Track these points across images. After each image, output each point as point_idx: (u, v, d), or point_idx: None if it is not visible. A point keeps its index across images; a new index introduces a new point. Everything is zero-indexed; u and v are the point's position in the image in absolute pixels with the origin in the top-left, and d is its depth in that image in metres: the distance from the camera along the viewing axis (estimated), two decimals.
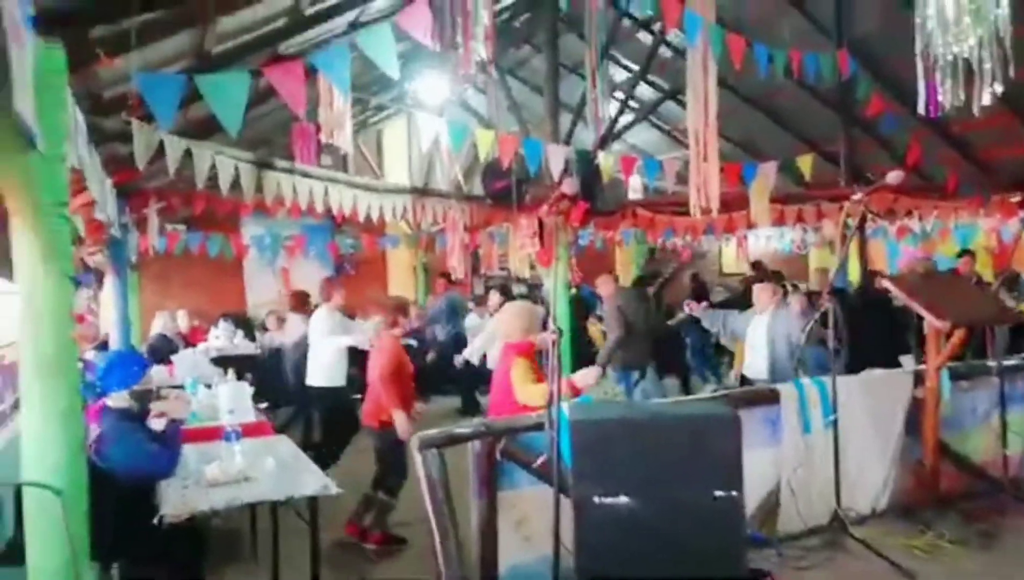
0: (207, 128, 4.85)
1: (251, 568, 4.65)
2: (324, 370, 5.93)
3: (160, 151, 3.94)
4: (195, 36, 4.19)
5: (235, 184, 4.62)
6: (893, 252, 11.08)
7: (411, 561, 4.57)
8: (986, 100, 3.95)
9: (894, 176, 3.66)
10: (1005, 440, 4.12)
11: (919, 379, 3.97)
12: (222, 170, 4.39)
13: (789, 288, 6.84)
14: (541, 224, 7.40)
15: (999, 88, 3.85)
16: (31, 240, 2.02)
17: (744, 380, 4.64)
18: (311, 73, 3.98)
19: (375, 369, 4.68)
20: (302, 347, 6.60)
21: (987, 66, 3.77)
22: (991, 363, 4.26)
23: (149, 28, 3.41)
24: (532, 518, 3.12)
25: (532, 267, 9.89)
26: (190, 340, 9.80)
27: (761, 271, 9.41)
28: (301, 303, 7.88)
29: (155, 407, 3.98)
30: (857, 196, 3.82)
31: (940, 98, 4.16)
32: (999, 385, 4.16)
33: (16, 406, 3.73)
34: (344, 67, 3.51)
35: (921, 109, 4.33)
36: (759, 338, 5.02)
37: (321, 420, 6.35)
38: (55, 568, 2.09)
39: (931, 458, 3.82)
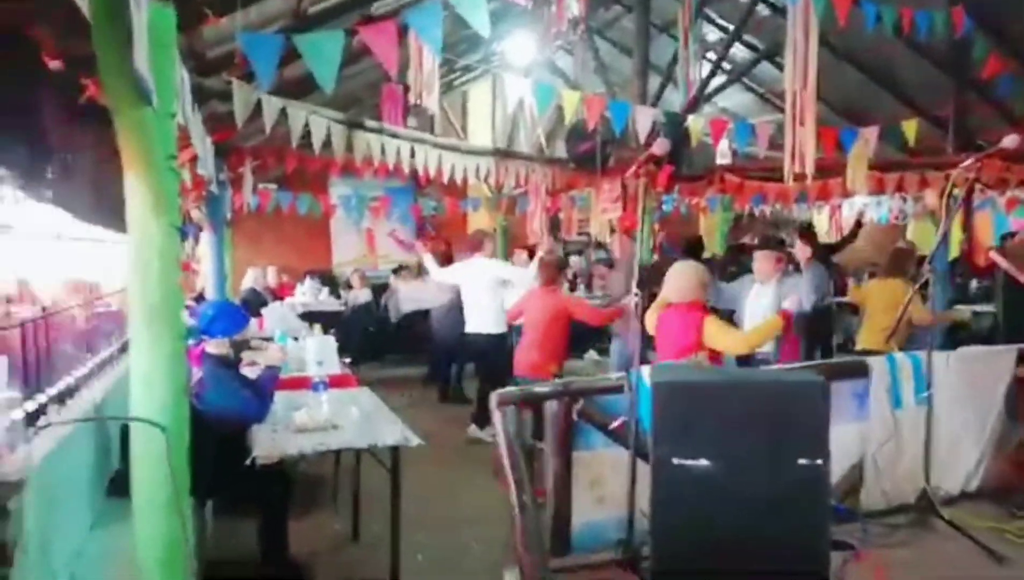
0: (301, 88, 4.97)
1: (334, 511, 4.89)
2: (493, 316, 6.40)
3: (257, 110, 4.07)
4: None
5: (327, 144, 4.74)
6: (1001, 225, 10.40)
7: (484, 519, 4.71)
8: None
9: (1011, 140, 3.43)
10: None
11: (1023, 358, 3.75)
12: (315, 129, 4.51)
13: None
14: (625, 188, 7.29)
15: None
16: (143, 192, 2.15)
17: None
18: (402, 33, 4.02)
19: (541, 322, 5.34)
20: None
21: None
22: None
23: None
24: (607, 479, 3.14)
25: (613, 232, 9.78)
26: (278, 295, 10.23)
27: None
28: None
29: (247, 356, 4.20)
30: (966, 163, 3.60)
31: None
32: None
33: (125, 348, 4.00)
34: (436, 26, 3.52)
35: None
36: (764, 310, 4.70)
37: (486, 367, 6.65)
38: (159, 500, 2.24)
39: None
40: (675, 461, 1.96)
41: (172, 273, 2.25)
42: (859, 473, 3.53)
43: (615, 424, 3.05)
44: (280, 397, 4.10)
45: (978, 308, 9.04)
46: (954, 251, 8.75)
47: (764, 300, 4.81)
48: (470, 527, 4.61)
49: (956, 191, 4.15)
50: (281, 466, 3.61)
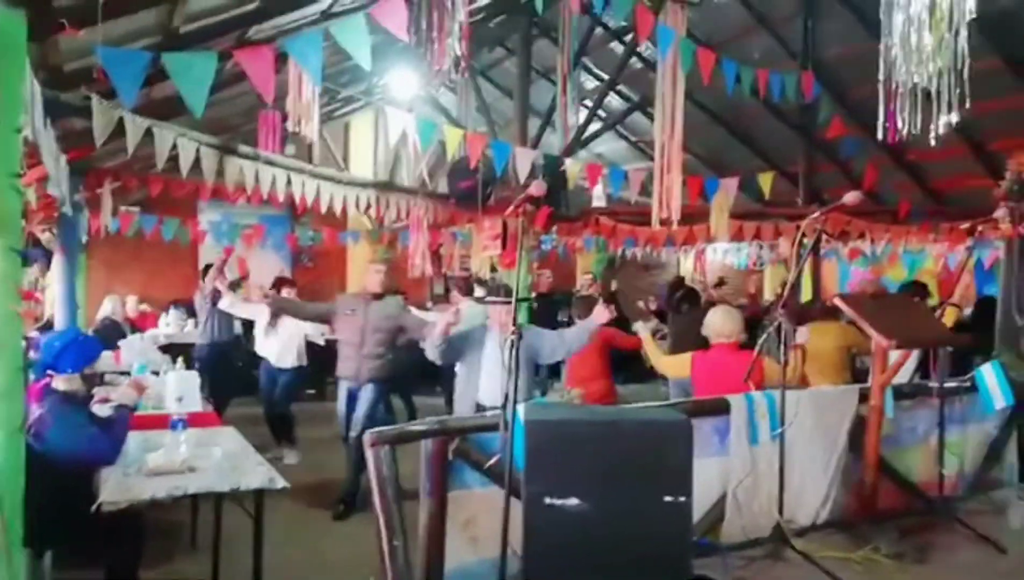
0: (170, 108, 4.74)
1: (192, 560, 4.56)
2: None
3: (120, 129, 3.84)
4: (163, 13, 4.09)
5: (195, 167, 4.53)
6: (844, 274, 11.38)
7: (356, 557, 4.54)
8: (943, 129, 4.09)
9: (852, 196, 3.76)
10: (942, 460, 4.25)
11: (864, 397, 4.07)
12: (183, 152, 4.30)
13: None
14: (505, 226, 7.41)
15: (955, 118, 4.00)
16: None
17: None
18: (282, 60, 3.93)
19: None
20: None
21: (945, 96, 3.91)
22: (932, 384, 4.40)
23: (116, 1, 3.33)
24: (480, 519, 3.11)
25: (493, 269, 9.90)
26: (139, 326, 9.58)
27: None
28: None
29: (100, 392, 3.88)
30: (814, 215, 3.91)
31: (899, 125, 4.30)
32: (939, 406, 4.30)
33: None
34: (316, 55, 3.47)
35: (880, 135, 4.48)
36: None
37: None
38: None
39: (871, 474, 3.92)
40: (546, 500, 1.97)
41: (10, 300, 2.06)
42: (721, 507, 3.68)
43: (491, 462, 3.04)
44: (135, 436, 3.80)
45: None
46: (806, 295, 9.49)
47: None
48: (339, 574, 4.43)
49: (806, 240, 4.50)
50: (132, 512, 3.33)
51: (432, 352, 4.28)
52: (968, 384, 4.59)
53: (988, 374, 4.45)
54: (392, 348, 5.67)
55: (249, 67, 3.22)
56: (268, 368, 6.73)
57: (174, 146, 4.29)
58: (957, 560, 3.67)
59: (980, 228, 4.66)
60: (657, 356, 4.91)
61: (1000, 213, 5.12)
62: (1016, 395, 4.51)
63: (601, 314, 4.41)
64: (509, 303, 4.24)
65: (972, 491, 4.63)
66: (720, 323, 4.43)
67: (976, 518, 4.13)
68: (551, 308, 9.07)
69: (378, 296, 5.60)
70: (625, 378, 9.22)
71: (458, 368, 4.53)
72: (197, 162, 4.51)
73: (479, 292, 6.21)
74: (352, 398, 5.53)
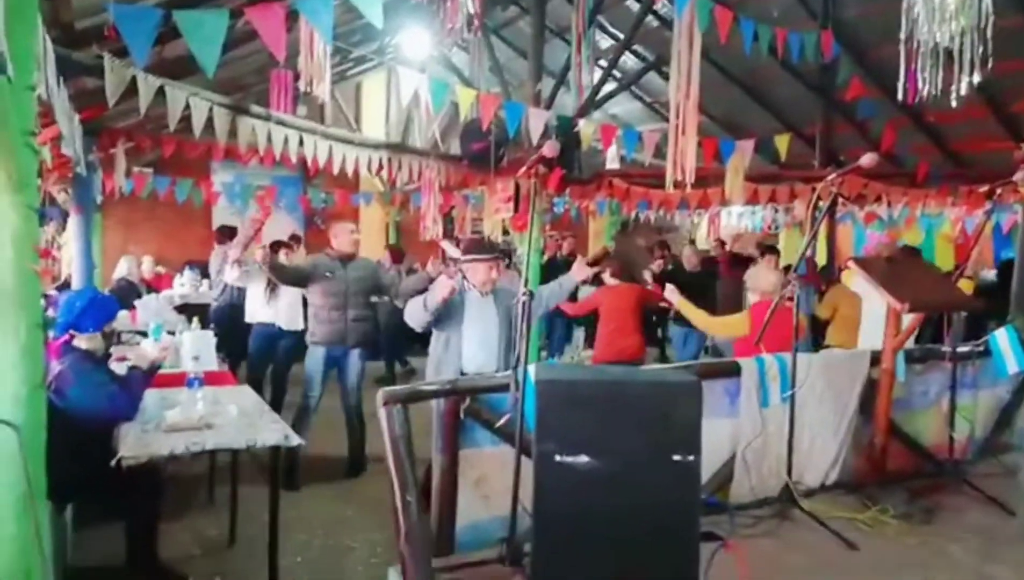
0: (182, 68, 4.72)
1: (210, 513, 4.68)
2: None
3: (132, 89, 3.83)
4: None
5: (208, 128, 4.52)
6: (860, 237, 11.28)
7: (371, 516, 4.64)
8: (964, 90, 4.02)
9: (868, 158, 3.69)
10: (953, 423, 4.25)
11: (875, 360, 4.06)
12: (196, 112, 4.30)
13: None
14: (517, 189, 7.37)
15: (977, 78, 3.92)
16: None
17: None
18: (293, 18, 3.89)
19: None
20: None
21: (967, 56, 3.83)
22: (945, 348, 4.38)
23: None
24: (491, 477, 3.16)
25: (505, 232, 9.88)
26: (154, 286, 9.67)
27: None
28: None
29: (118, 351, 3.95)
30: (830, 177, 3.86)
31: (919, 86, 4.22)
32: (951, 370, 4.29)
33: None
34: (328, 13, 3.44)
35: (900, 96, 4.40)
36: None
37: None
38: (10, 503, 2.07)
39: (881, 437, 3.93)
40: (557, 458, 2.00)
41: (28, 258, 2.08)
42: (730, 468, 3.72)
43: (501, 422, 3.08)
44: (153, 394, 3.88)
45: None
46: (821, 259, 9.43)
47: None
48: (353, 528, 4.54)
49: (821, 203, 4.45)
50: (151, 467, 3.41)
51: (419, 317, 4.08)
52: (981, 349, 4.57)
53: (1002, 339, 4.42)
54: (372, 308, 5.67)
55: (260, 25, 3.20)
56: (267, 333, 6.55)
57: (187, 106, 4.28)
58: (965, 522, 3.69)
59: (999, 191, 4.58)
60: (703, 317, 4.83)
61: (1020, 176, 5.04)
62: None
63: (579, 270, 4.48)
64: (491, 260, 4.22)
65: (982, 455, 4.63)
66: (763, 279, 4.58)
67: (986, 481, 4.14)
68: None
69: (352, 256, 5.52)
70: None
71: (434, 334, 4.27)
72: (210, 122, 4.50)
73: (452, 251, 6.13)
74: (333, 363, 5.44)
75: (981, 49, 3.92)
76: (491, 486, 3.18)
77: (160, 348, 3.91)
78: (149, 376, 3.75)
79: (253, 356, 6.66)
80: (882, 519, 3.59)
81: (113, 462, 3.11)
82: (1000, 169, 6.02)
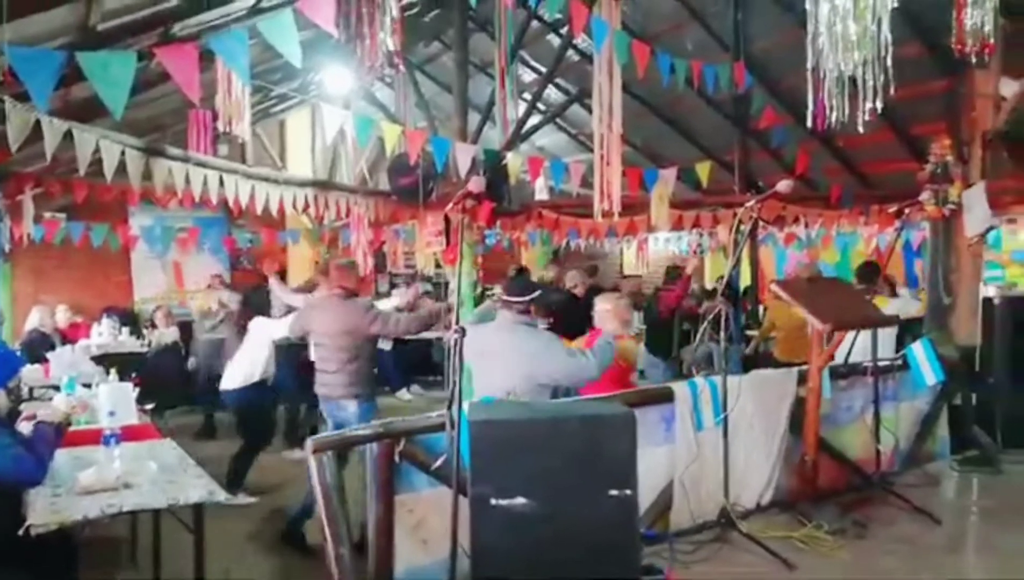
0: (90, 110, 4.55)
1: (133, 576, 4.41)
2: None
3: (37, 133, 3.66)
4: (79, 11, 3.92)
5: (121, 171, 4.35)
6: (781, 258, 11.67)
7: (311, 565, 4.45)
8: (868, 115, 4.22)
9: (784, 184, 3.83)
10: (878, 436, 4.40)
11: (802, 378, 4.17)
12: (107, 155, 4.13)
13: None
14: (448, 222, 7.36)
15: (880, 104, 4.12)
16: None
17: None
18: (208, 58, 3.80)
19: None
20: None
21: (870, 83, 4.03)
22: (867, 363, 4.54)
23: None
24: (430, 520, 3.08)
25: (438, 265, 9.81)
26: (69, 337, 9.19)
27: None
28: None
29: (28, 409, 3.71)
30: (750, 203, 3.98)
31: (827, 113, 4.42)
32: (873, 384, 4.44)
33: None
34: (243, 52, 3.36)
35: (809, 123, 4.59)
36: None
37: None
38: None
39: (811, 454, 4.03)
40: (492, 502, 1.95)
41: None
42: (669, 495, 3.73)
43: (438, 463, 3.01)
44: (65, 454, 3.63)
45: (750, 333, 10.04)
46: (745, 280, 9.70)
47: None
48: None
49: (743, 227, 4.58)
50: (64, 533, 3.19)
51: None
52: (900, 362, 4.76)
53: (919, 352, 4.62)
54: None
55: (171, 65, 3.10)
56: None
57: (97, 149, 4.11)
58: (895, 533, 3.80)
59: (907, 211, 4.82)
60: None
61: (925, 196, 5.32)
62: (945, 371, 4.70)
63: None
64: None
65: (907, 465, 4.81)
66: (609, 323, 4.05)
67: (912, 491, 4.28)
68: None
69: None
70: None
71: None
72: (123, 165, 4.33)
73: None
74: None
75: (882, 76, 4.14)
76: (430, 529, 3.10)
77: (69, 404, 3.68)
78: (59, 435, 3.52)
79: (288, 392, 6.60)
80: (817, 535, 3.66)
81: (21, 531, 2.89)
82: (906, 188, 6.34)
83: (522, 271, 8.83)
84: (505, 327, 3.57)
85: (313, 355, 4.70)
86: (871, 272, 5.90)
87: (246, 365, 5.39)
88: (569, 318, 5.29)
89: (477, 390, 3.54)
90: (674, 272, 8.97)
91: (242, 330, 5.48)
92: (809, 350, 4.01)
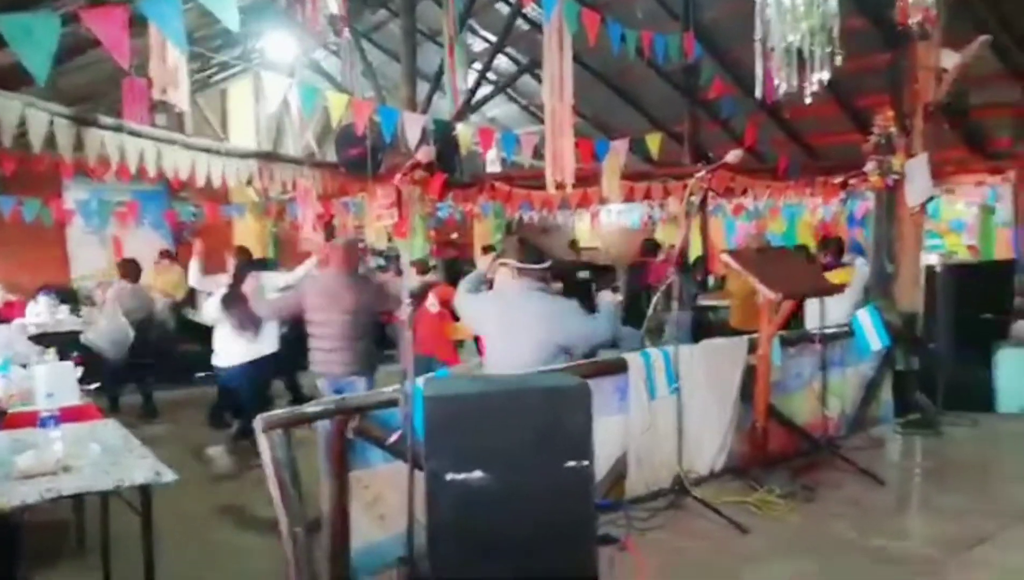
0: (15, 78, 4.29)
1: (80, 562, 4.28)
2: None
3: None
4: None
5: (50, 142, 4.13)
6: (730, 228, 11.85)
7: (257, 549, 4.38)
8: (815, 87, 4.27)
9: (734, 155, 3.85)
10: (825, 401, 4.51)
11: (753, 347, 4.24)
12: (34, 124, 3.91)
13: None
14: (399, 195, 7.23)
15: (826, 76, 4.17)
16: None
17: None
18: (141, 23, 3.61)
19: None
20: None
21: (817, 55, 4.06)
22: (814, 331, 4.64)
23: None
24: (387, 496, 3.05)
25: (389, 239, 9.67)
26: (4, 316, 8.82)
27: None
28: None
29: None
30: (700, 173, 4.00)
31: (775, 84, 4.45)
32: (821, 351, 4.54)
33: None
34: (176, 17, 3.20)
35: (758, 94, 4.62)
36: None
37: None
38: None
39: (762, 420, 4.11)
40: (448, 477, 1.93)
41: None
42: (623, 464, 3.76)
43: (392, 439, 2.97)
44: (2, 437, 3.48)
45: (716, 302, 10.23)
46: (696, 250, 9.83)
47: None
48: (245, 558, 4.27)
49: (693, 198, 4.61)
50: (4, 519, 3.06)
51: None
52: (846, 329, 4.88)
53: (864, 319, 4.73)
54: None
55: (99, 30, 2.94)
56: None
57: (23, 119, 3.89)
58: (842, 495, 3.92)
59: (852, 181, 4.91)
60: None
61: (870, 167, 5.43)
62: (890, 337, 4.83)
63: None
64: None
65: (853, 429, 4.95)
66: None
67: (858, 454, 4.41)
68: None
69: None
70: None
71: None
72: (52, 136, 4.11)
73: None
74: None
75: (828, 49, 4.18)
76: (387, 504, 3.06)
77: (6, 392, 3.52)
78: None
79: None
80: (768, 500, 3.75)
81: None
82: (851, 160, 6.47)
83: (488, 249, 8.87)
84: (523, 294, 3.60)
85: (312, 333, 4.66)
86: (837, 245, 6.06)
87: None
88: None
89: (496, 359, 3.62)
90: (651, 244, 9.06)
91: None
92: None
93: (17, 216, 8.43)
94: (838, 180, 5.10)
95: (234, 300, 5.55)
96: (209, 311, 5.85)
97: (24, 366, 5.06)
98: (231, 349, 5.51)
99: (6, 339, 6.61)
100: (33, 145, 3.90)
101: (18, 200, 8.38)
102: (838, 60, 4.19)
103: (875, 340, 4.66)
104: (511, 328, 3.51)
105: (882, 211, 5.86)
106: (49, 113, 3.99)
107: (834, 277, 5.09)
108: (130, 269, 7.28)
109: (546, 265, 3.70)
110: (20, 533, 3.41)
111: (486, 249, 9.30)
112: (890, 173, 5.57)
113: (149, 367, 7.21)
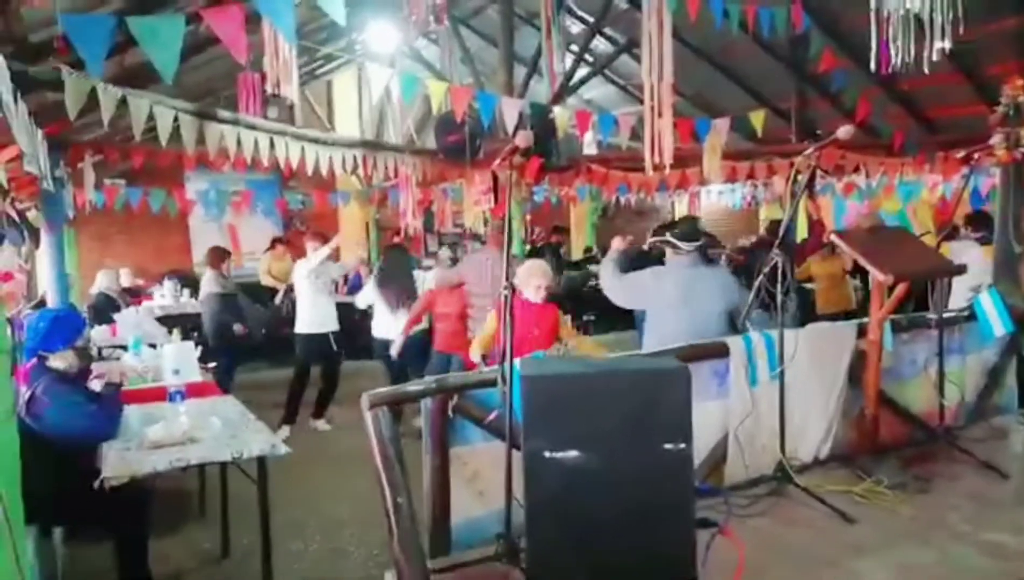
0: (145, 77, 4.62)
1: (202, 525, 4.62)
2: None
3: (94, 100, 3.74)
4: None
5: (175, 136, 4.43)
6: (840, 208, 11.31)
7: (363, 522, 4.60)
8: (935, 57, 4.01)
9: (844, 131, 3.66)
10: (943, 390, 4.26)
11: (862, 331, 4.06)
12: (161, 120, 4.20)
13: None
14: (496, 179, 7.29)
15: (948, 45, 3.91)
16: None
17: None
18: (255, 20, 3.81)
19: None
20: None
21: (938, 22, 3.82)
22: (931, 315, 4.38)
23: None
24: (485, 473, 3.12)
25: (486, 224, 9.81)
26: (134, 298, 9.55)
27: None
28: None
29: (97, 367, 3.88)
30: (808, 151, 3.84)
31: (891, 55, 4.21)
32: (938, 337, 4.29)
33: None
34: (288, 12, 3.35)
35: (872, 66, 4.39)
36: None
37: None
38: None
39: (872, 408, 3.93)
40: (546, 454, 1.96)
41: None
42: (723, 450, 3.70)
43: (490, 418, 3.04)
44: (135, 411, 3.82)
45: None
46: (802, 232, 9.45)
47: None
48: (347, 531, 4.49)
49: (800, 177, 4.43)
50: (136, 485, 3.35)
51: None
52: (967, 313, 4.58)
53: (986, 302, 4.43)
54: None
55: (219, 28, 3.12)
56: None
57: (152, 115, 4.18)
58: (960, 488, 3.70)
59: (976, 156, 4.58)
60: None
61: (996, 139, 5.04)
62: (1015, 322, 4.51)
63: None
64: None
65: (973, 419, 4.65)
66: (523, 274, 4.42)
67: (978, 446, 4.14)
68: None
69: None
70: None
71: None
72: (177, 130, 4.40)
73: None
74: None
75: (951, 14, 3.91)
76: (485, 482, 3.14)
77: (118, 372, 3.84)
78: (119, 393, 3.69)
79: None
80: (877, 490, 3.58)
81: (96, 483, 3.04)
82: (975, 133, 6.03)
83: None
84: (700, 268, 4.11)
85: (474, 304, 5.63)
86: (987, 220, 5.69)
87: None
88: None
89: (672, 330, 3.97)
90: (775, 226, 8.79)
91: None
92: (848, 300, 3.93)
93: (144, 206, 9.07)
94: (960, 155, 4.75)
95: (387, 281, 6.25)
96: (366, 296, 6.80)
97: (152, 345, 5.49)
98: (388, 324, 6.38)
99: (136, 320, 7.18)
100: (161, 139, 4.19)
101: (145, 191, 9.02)
102: (961, 28, 3.92)
103: (998, 325, 4.36)
104: (693, 300, 3.95)
105: (1009, 187, 5.44)
106: (175, 109, 4.27)
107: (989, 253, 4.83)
108: (212, 257, 7.73)
109: (701, 242, 4.11)
110: (151, 498, 3.72)
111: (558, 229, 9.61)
112: (1019, 146, 5.16)
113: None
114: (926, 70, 4.14)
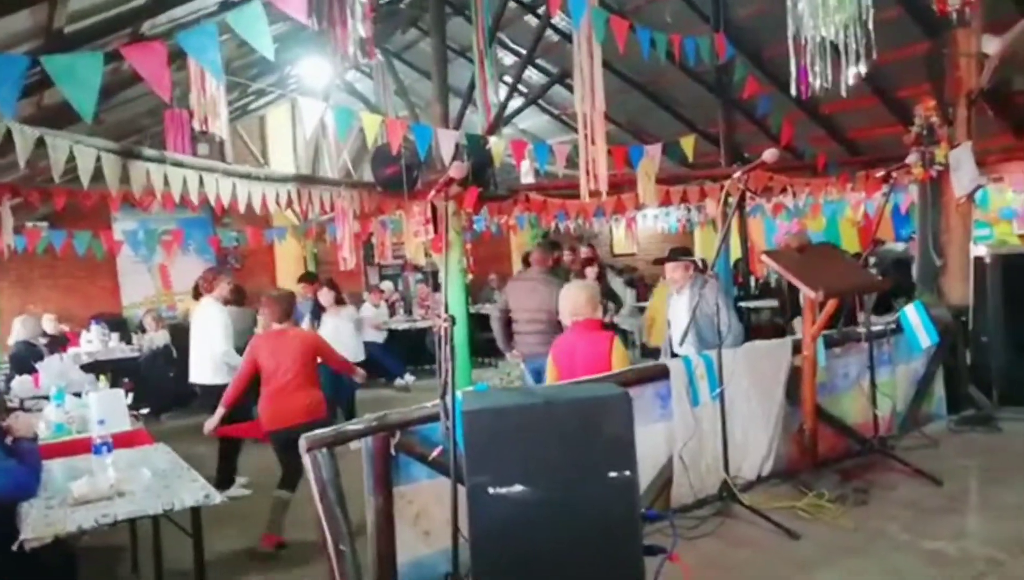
0: (65, 116, 4.46)
1: None
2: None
3: (9, 141, 3.58)
4: (42, 14, 3.83)
5: (99, 176, 4.28)
6: (770, 228, 11.66)
7: (305, 567, 4.43)
8: (851, 81, 4.18)
9: (770, 153, 3.79)
10: (875, 401, 4.39)
11: (797, 348, 4.16)
12: (82, 160, 4.05)
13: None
14: (435, 210, 7.28)
15: (863, 69, 4.08)
16: None
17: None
18: (180, 56, 3.72)
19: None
20: None
21: (852, 48, 3.99)
22: (861, 330, 4.53)
23: None
24: (431, 511, 3.06)
25: (427, 254, 9.74)
26: (60, 346, 9.11)
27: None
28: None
29: (8, 421, 3.65)
30: (736, 174, 3.94)
31: (810, 80, 4.37)
32: (868, 350, 4.43)
33: None
34: (213, 48, 3.28)
35: (793, 90, 4.55)
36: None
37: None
38: None
39: (810, 422, 4.02)
40: (490, 490, 1.92)
41: None
42: (669, 472, 3.71)
43: (435, 454, 2.98)
44: (59, 465, 3.61)
45: (759, 303, 10.09)
46: (736, 253, 9.68)
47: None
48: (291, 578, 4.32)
49: (730, 200, 4.54)
50: (60, 546, 3.15)
51: None
52: (894, 326, 4.75)
53: (912, 315, 4.61)
54: None
55: (141, 66, 3.03)
56: None
57: (72, 156, 4.03)
58: (897, 497, 3.80)
59: (894, 174, 4.78)
60: None
61: (912, 158, 5.28)
62: (939, 332, 4.69)
63: None
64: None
65: (906, 428, 4.81)
66: (570, 301, 4.00)
67: (912, 454, 4.28)
68: None
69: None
70: None
71: None
72: (100, 170, 4.25)
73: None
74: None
75: (864, 40, 4.09)
76: (431, 520, 3.07)
77: (27, 425, 3.61)
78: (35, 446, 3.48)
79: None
80: (819, 504, 3.66)
81: (15, 546, 2.85)
82: (892, 152, 6.30)
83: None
84: (701, 285, 4.30)
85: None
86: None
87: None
88: None
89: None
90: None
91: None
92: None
93: (69, 249, 8.71)
94: (880, 173, 4.96)
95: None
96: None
97: (78, 394, 5.23)
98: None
99: (60, 369, 6.83)
100: (82, 180, 4.04)
101: (69, 233, 8.67)
102: (874, 52, 4.11)
103: (924, 337, 4.54)
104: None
105: (927, 203, 5.71)
106: (96, 148, 4.12)
107: None
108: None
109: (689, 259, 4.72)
110: (77, 559, 3.51)
111: (526, 258, 9.47)
112: (934, 164, 5.42)
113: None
114: (844, 93, 4.31)
